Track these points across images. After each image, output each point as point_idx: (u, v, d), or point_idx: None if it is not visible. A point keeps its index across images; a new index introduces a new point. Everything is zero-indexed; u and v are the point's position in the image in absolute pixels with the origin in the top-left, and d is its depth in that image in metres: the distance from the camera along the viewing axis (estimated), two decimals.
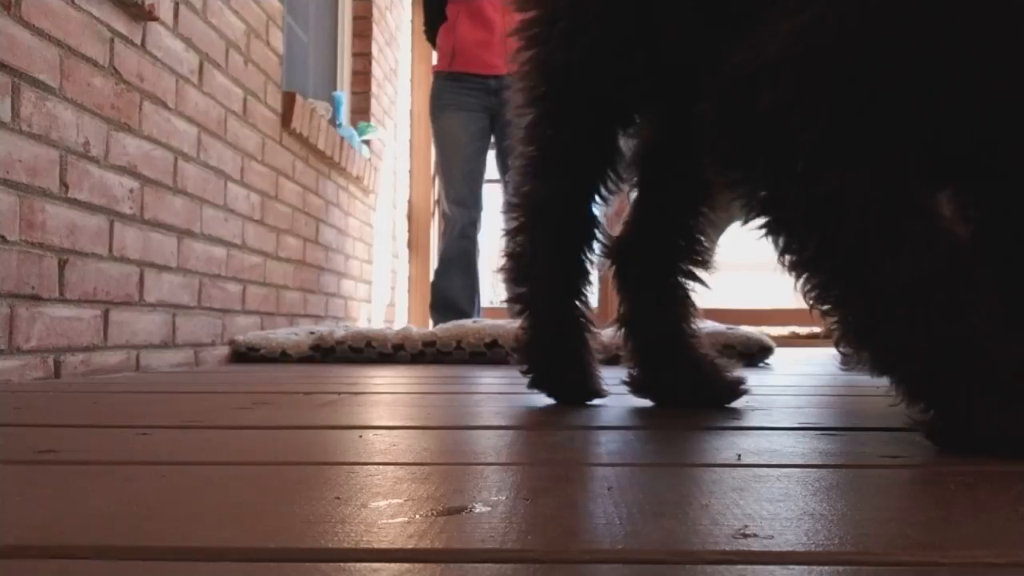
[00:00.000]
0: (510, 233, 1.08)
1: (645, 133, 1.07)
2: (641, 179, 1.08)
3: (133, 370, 1.77)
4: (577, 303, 1.05)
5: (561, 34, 0.99)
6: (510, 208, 1.08)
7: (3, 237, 1.36)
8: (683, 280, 1.06)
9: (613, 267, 1.08)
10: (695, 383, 1.01)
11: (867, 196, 0.67)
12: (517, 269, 1.07)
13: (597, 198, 1.05)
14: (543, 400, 1.07)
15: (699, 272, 1.07)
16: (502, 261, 1.09)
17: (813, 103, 0.69)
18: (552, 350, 1.06)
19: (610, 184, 1.04)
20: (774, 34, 0.72)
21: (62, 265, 1.52)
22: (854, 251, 0.67)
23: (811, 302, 0.72)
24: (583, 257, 1.05)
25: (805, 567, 0.35)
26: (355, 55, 4.05)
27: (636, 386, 1.04)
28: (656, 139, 1.06)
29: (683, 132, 1.01)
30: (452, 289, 3.23)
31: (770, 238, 0.74)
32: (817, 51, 0.69)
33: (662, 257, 1.06)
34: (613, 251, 1.07)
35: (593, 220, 1.05)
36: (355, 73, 4.05)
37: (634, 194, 1.09)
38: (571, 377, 1.06)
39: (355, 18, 4.05)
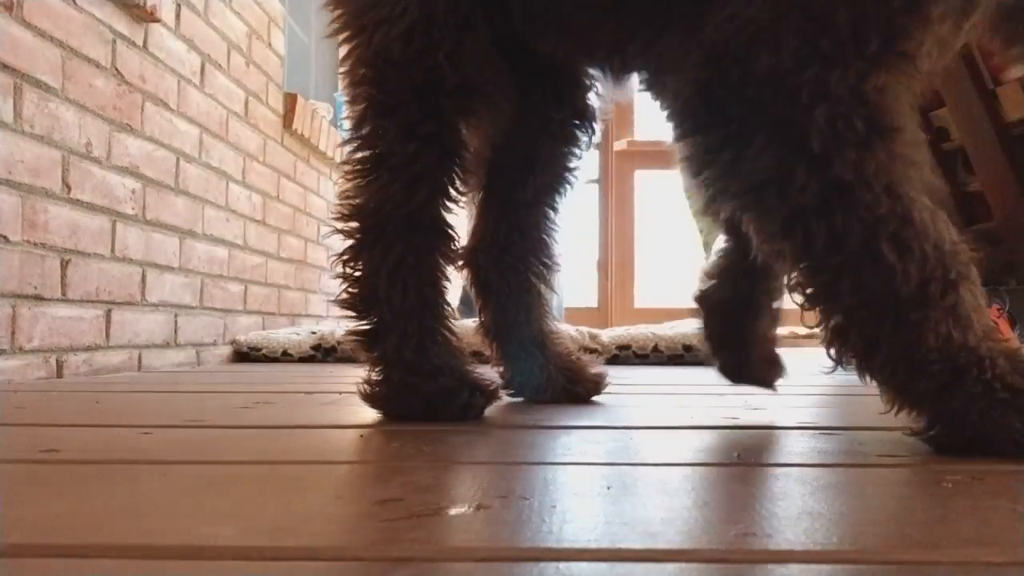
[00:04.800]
0: (345, 255, 0.91)
1: (488, 126, 0.98)
2: (487, 178, 1.05)
3: (135, 370, 1.78)
4: (441, 328, 0.89)
5: (381, 18, 0.87)
6: (341, 226, 0.91)
7: (5, 237, 1.36)
8: (535, 279, 1.08)
9: (469, 274, 1.07)
10: (565, 380, 1.07)
11: (885, 183, 0.62)
12: (360, 297, 0.90)
13: (446, 202, 0.90)
14: (538, 401, 1.07)
15: (547, 271, 1.09)
16: (339, 291, 0.92)
17: (828, 70, 0.62)
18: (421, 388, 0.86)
19: (459, 185, 0.91)
20: None
21: (64, 265, 1.52)
22: (865, 246, 0.61)
23: (803, 300, 0.67)
24: (439, 273, 0.90)
25: (803, 566, 0.36)
26: None
27: (509, 386, 1.07)
28: (500, 133, 1.01)
29: (532, 123, 0.97)
30: None
31: (758, 225, 0.68)
32: (832, 6, 0.62)
33: (514, 259, 1.06)
34: (467, 258, 1.06)
35: (446, 228, 0.90)
36: None
37: (479, 195, 1.06)
38: (452, 411, 0.86)
39: None
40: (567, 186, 1.09)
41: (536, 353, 1.07)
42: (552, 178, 1.07)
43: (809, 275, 0.66)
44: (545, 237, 1.09)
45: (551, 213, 1.09)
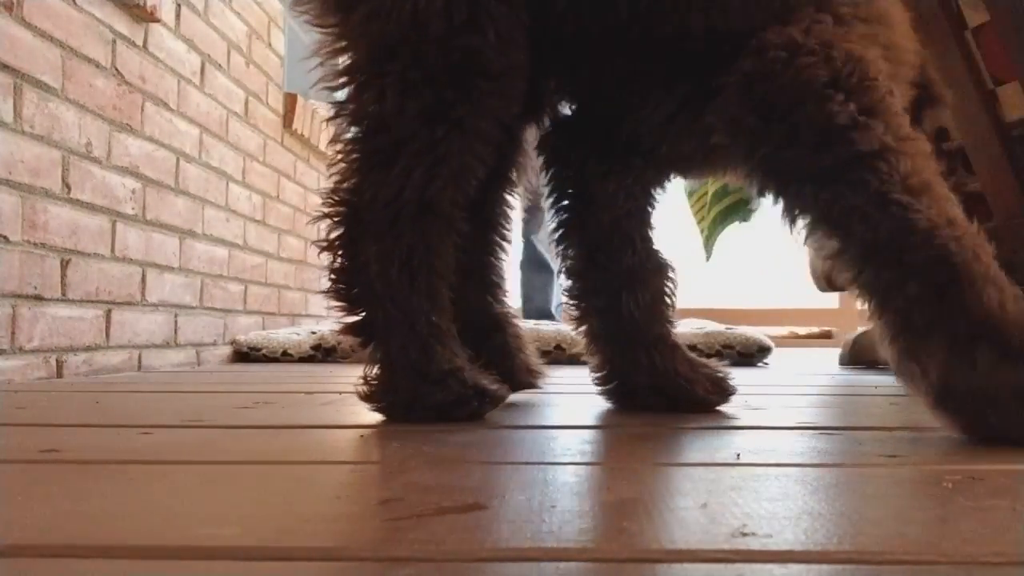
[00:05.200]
0: (333, 244, 0.85)
1: (507, 111, 0.92)
2: None
3: (135, 370, 1.78)
4: (447, 325, 0.85)
5: None
6: (330, 210, 0.85)
7: (5, 237, 1.36)
8: (494, 262, 1.05)
9: None
10: (514, 371, 1.05)
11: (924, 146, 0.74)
12: (352, 289, 0.84)
13: (463, 192, 0.85)
14: (537, 401, 1.07)
15: (503, 255, 1.06)
16: (328, 282, 0.86)
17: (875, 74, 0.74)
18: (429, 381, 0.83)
19: (479, 174, 0.86)
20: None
21: (64, 265, 1.52)
22: (920, 190, 0.70)
23: (846, 270, 0.73)
24: (449, 265, 0.86)
25: (803, 566, 0.36)
26: None
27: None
28: (513, 118, 0.95)
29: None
30: (531, 288, 3.17)
31: (803, 186, 0.74)
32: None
33: (473, 242, 1.00)
34: None
35: (459, 218, 0.86)
36: None
37: None
38: (470, 408, 0.84)
39: None
40: (523, 164, 1.05)
41: (495, 345, 1.04)
42: (507, 160, 1.03)
43: (866, 212, 0.70)
44: (502, 211, 1.05)
45: (507, 194, 1.05)
